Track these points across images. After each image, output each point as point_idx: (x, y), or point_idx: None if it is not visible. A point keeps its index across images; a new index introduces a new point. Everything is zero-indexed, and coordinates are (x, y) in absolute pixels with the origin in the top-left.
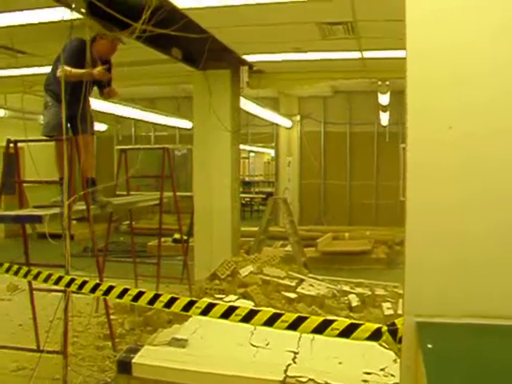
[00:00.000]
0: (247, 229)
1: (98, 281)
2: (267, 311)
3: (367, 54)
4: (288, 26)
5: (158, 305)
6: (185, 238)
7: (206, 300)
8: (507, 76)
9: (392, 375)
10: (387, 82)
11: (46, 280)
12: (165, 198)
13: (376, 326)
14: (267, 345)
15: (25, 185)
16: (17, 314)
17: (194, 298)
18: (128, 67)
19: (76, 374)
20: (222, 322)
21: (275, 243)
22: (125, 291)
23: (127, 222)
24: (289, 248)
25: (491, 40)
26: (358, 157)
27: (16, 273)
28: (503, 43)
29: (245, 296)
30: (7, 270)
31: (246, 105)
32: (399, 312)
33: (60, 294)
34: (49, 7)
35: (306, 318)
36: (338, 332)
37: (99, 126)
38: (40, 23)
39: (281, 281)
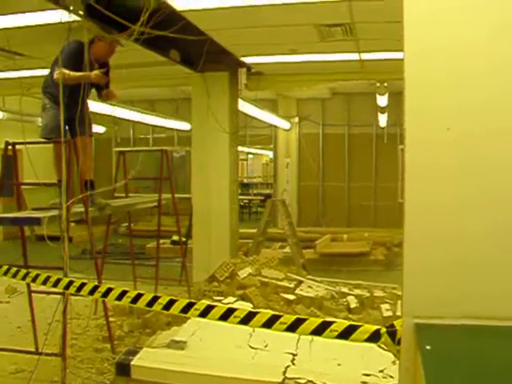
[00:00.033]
0: (246, 230)
1: (96, 283)
2: (266, 313)
3: (365, 56)
4: (286, 27)
5: (157, 307)
6: (183, 239)
7: (205, 302)
8: (505, 76)
9: (391, 377)
10: (385, 84)
11: (44, 282)
12: (163, 199)
13: (375, 327)
14: (266, 347)
15: (23, 187)
16: (15, 317)
17: (192, 300)
18: (126, 69)
19: (75, 377)
20: (221, 324)
21: (274, 245)
22: (123, 293)
23: (126, 224)
24: (287, 250)
25: (489, 40)
26: (357, 158)
27: (14, 275)
28: (501, 43)
29: (243, 298)
30: (6, 273)
31: (244, 107)
32: (398, 313)
33: (58, 296)
34: (47, 9)
35: (304, 320)
36: (336, 333)
37: (97, 128)
38: (38, 25)
39: (279, 282)
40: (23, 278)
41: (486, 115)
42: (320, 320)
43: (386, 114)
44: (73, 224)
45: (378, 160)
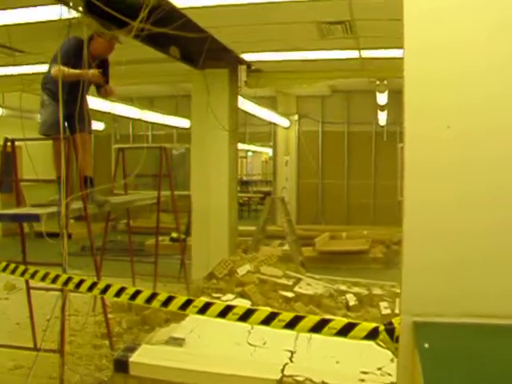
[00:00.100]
0: (245, 228)
1: (95, 279)
2: (264, 310)
3: (365, 53)
4: (286, 25)
5: (156, 304)
6: (182, 237)
7: (204, 299)
8: (505, 74)
9: (389, 374)
10: (385, 82)
11: (43, 279)
12: (162, 196)
13: (373, 325)
14: (264, 344)
15: (22, 183)
16: (14, 313)
17: (191, 297)
18: (126, 66)
19: (73, 373)
20: (220, 321)
21: (273, 242)
22: (122, 290)
23: (125, 221)
24: (286, 247)
25: (489, 38)
26: (356, 156)
27: (13, 271)
28: (501, 41)
29: (242, 295)
30: (4, 269)
31: (243, 104)
32: (396, 311)
33: (57, 292)
34: (46, 5)
35: (303, 317)
36: (335, 331)
37: (97, 125)
38: (38, 22)
39: (278, 280)
40: (22, 275)
41: (486, 113)
42: (318, 318)
43: (385, 112)
44: (72, 221)
45: (377, 158)
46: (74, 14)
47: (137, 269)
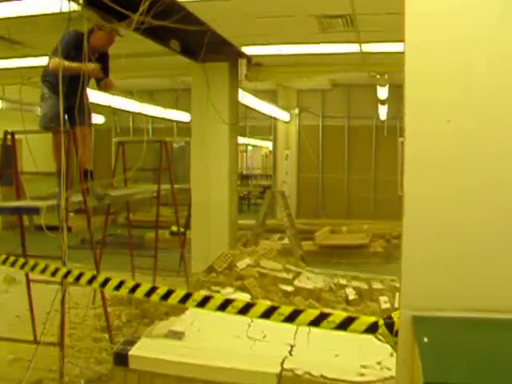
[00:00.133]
0: (245, 222)
1: (94, 272)
2: (264, 304)
3: (366, 47)
4: (287, 18)
5: (155, 297)
6: (182, 230)
7: (203, 293)
8: (506, 69)
9: (388, 368)
10: (386, 76)
11: (42, 271)
12: (162, 190)
13: (373, 319)
14: (264, 337)
15: (22, 176)
16: (14, 306)
17: (190, 291)
18: (126, 59)
19: (73, 366)
20: (219, 314)
21: (272, 236)
22: (122, 283)
23: (125, 215)
24: (286, 241)
25: (489, 33)
26: (356, 150)
27: (13, 264)
28: (501, 36)
29: (242, 289)
30: (4, 262)
31: (244, 97)
32: (396, 306)
33: (57, 285)
34: None
35: (302, 311)
36: (334, 325)
37: (97, 118)
38: (38, 14)
39: (278, 274)
40: (22, 267)
41: (486, 108)
42: (318, 311)
43: (386, 107)
44: (72, 214)
45: (377, 152)
46: (74, 6)
47: (136, 262)
